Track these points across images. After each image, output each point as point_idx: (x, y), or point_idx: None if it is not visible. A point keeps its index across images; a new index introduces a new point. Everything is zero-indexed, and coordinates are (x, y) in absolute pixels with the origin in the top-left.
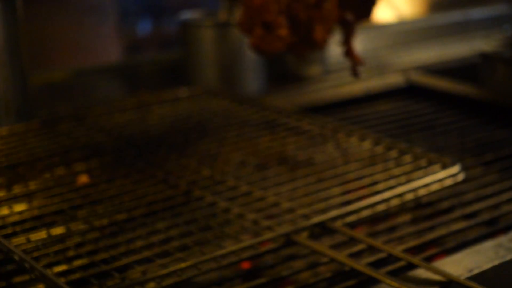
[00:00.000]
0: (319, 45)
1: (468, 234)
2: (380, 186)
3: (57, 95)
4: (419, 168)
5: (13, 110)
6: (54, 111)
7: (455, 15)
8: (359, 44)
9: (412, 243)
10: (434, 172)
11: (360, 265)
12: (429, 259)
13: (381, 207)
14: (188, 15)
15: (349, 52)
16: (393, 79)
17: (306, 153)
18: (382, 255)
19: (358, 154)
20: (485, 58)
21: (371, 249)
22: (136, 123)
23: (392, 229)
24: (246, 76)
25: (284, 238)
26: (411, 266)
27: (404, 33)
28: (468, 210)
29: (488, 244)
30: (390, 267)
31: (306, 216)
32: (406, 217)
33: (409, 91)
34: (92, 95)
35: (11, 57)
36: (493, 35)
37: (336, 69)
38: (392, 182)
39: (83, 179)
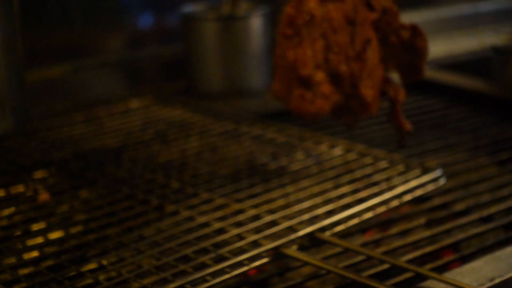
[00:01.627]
0: (370, 106)
1: (486, 238)
2: (362, 194)
3: (54, 92)
4: (399, 174)
5: (8, 108)
6: (51, 108)
7: (464, 8)
8: None
9: (427, 248)
10: (415, 177)
11: (363, 277)
12: (446, 266)
13: (367, 215)
14: (190, 8)
15: (395, 120)
16: None
17: (277, 162)
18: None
19: (331, 162)
20: (497, 52)
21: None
22: (89, 137)
23: (405, 233)
24: (249, 71)
25: (273, 252)
26: (421, 277)
27: None
28: (485, 212)
29: (509, 250)
30: (407, 275)
31: (291, 228)
32: (420, 220)
33: (418, 86)
34: (91, 91)
35: (6, 53)
36: (503, 29)
37: None
38: (375, 189)
39: (44, 196)
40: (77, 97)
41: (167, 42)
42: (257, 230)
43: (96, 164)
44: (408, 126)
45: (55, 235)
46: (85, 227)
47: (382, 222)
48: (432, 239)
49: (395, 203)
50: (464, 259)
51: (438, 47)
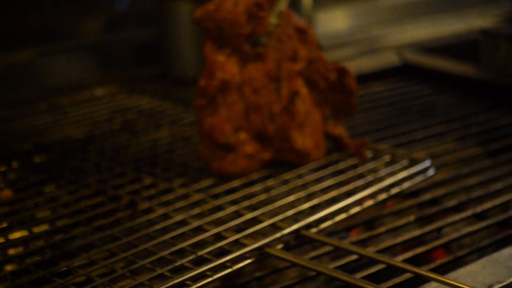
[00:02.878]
0: (309, 155)
1: (481, 237)
2: (348, 187)
3: (19, 78)
4: (385, 165)
5: None
6: (14, 96)
7: None
8: (348, 20)
9: (418, 249)
10: (402, 168)
11: (357, 279)
12: (439, 268)
13: (355, 210)
14: None
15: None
16: (386, 58)
17: None
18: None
19: None
20: (486, 35)
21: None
22: (52, 128)
23: (393, 231)
24: None
25: (258, 252)
26: (421, 279)
27: (395, 8)
28: (479, 208)
29: (507, 252)
30: (405, 276)
31: (275, 225)
32: (409, 217)
33: (404, 71)
34: (59, 77)
35: None
36: (489, 11)
37: (326, 49)
38: (361, 182)
39: (6, 193)
40: (44, 83)
41: (141, 25)
42: (238, 228)
43: (61, 157)
44: (362, 143)
45: (18, 235)
46: (51, 226)
47: (369, 220)
48: (422, 238)
49: (383, 196)
50: (458, 261)
51: (422, 30)
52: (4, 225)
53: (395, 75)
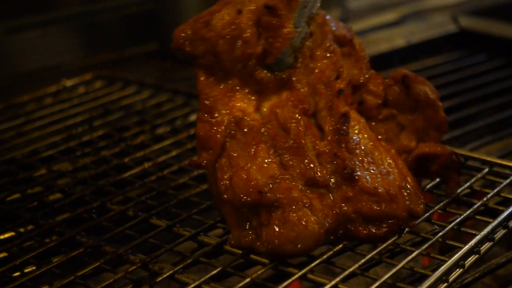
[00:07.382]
0: (393, 200)
1: None
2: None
3: None
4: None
5: None
6: None
7: None
8: None
9: None
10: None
11: None
12: None
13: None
14: None
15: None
16: (439, 24)
17: None
18: None
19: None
20: None
21: None
22: (16, 138)
23: None
24: None
25: None
26: None
27: None
28: None
29: None
30: None
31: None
32: None
33: (462, 41)
34: (33, 58)
35: None
36: None
37: (360, 13)
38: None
39: None
40: (13, 66)
41: None
42: None
43: (26, 184)
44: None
45: None
46: None
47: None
48: None
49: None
50: None
51: None
52: None
53: (452, 46)
